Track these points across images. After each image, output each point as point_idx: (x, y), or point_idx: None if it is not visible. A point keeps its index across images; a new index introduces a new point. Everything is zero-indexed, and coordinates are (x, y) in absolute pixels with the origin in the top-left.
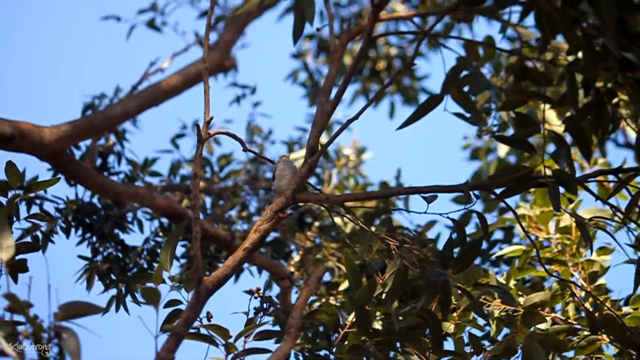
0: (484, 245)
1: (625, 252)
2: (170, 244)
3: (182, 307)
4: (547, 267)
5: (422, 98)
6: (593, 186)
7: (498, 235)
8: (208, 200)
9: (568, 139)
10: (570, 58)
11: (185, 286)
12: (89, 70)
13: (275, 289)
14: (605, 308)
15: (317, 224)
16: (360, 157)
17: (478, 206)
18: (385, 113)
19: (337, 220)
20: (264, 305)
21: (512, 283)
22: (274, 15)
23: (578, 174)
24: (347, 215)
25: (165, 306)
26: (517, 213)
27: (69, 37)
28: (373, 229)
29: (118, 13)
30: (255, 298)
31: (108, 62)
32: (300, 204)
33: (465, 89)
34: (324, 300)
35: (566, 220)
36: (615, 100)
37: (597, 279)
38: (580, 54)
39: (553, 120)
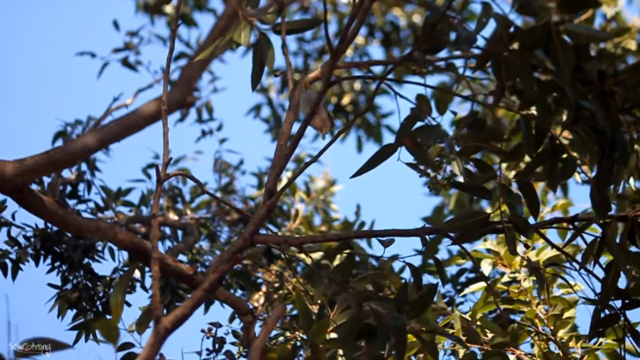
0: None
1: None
2: (121, 287)
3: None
4: (511, 304)
5: (386, 135)
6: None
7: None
8: (179, 232)
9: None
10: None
11: (138, 328)
12: (57, 104)
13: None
14: (567, 346)
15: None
16: (330, 189)
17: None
18: (353, 146)
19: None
20: (216, 346)
21: (478, 317)
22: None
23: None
24: (304, 259)
25: (119, 349)
26: (472, 256)
27: (38, 71)
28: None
29: (90, 48)
30: (208, 338)
31: (77, 96)
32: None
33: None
34: (281, 338)
35: (531, 257)
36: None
37: (563, 315)
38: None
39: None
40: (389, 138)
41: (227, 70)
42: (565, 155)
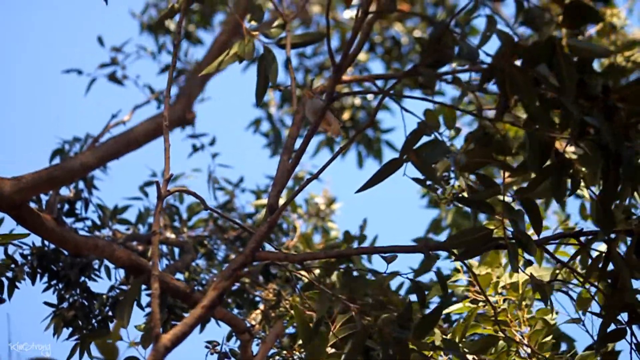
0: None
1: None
2: (129, 299)
3: None
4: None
5: (386, 151)
6: None
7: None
8: (176, 250)
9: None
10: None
11: (143, 343)
12: (53, 122)
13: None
14: None
15: (283, 273)
16: (330, 207)
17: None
18: (353, 162)
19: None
20: None
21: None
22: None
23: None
24: (306, 276)
25: None
26: (475, 274)
27: (32, 89)
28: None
29: (80, 65)
30: (212, 354)
31: (72, 114)
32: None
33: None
34: (278, 357)
35: (507, 279)
36: (574, 160)
37: (544, 337)
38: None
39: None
40: (389, 154)
41: (227, 85)
42: (571, 171)
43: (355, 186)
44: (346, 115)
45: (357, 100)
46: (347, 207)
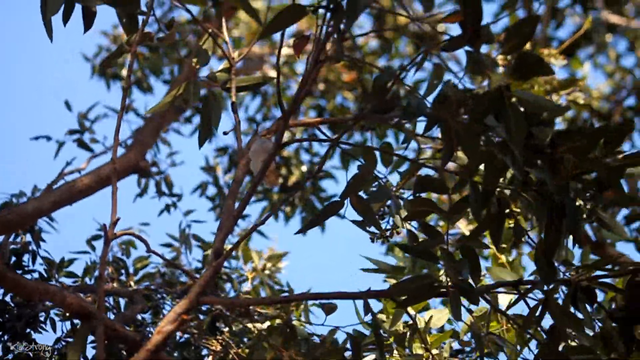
0: None
1: None
2: (79, 341)
3: None
4: None
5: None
6: None
7: None
8: (122, 301)
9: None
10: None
11: None
12: (6, 169)
13: None
14: None
15: (227, 329)
16: (276, 264)
17: None
18: (297, 228)
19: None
20: None
21: None
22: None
23: None
24: (249, 322)
25: None
26: (417, 323)
27: None
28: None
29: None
30: None
31: (27, 161)
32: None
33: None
34: None
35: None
36: (517, 211)
37: None
38: (482, 167)
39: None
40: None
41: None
42: (512, 221)
43: (300, 250)
44: (293, 179)
45: (304, 168)
46: (294, 266)
